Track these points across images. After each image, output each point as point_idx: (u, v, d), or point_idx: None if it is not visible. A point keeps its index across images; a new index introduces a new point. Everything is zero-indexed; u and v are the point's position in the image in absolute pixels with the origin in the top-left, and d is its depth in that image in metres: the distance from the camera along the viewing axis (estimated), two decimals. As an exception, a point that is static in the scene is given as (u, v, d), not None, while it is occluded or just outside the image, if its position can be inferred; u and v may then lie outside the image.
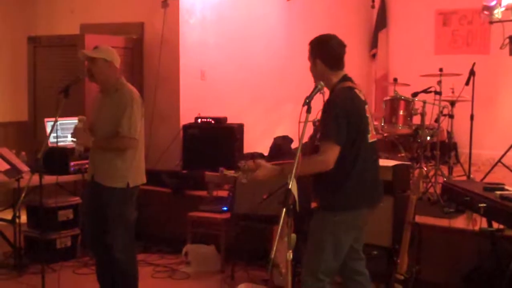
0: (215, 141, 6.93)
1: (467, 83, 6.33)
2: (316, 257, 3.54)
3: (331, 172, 3.39)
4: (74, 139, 4.42)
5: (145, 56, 7.33)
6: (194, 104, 7.20)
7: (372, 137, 3.62)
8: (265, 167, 3.46)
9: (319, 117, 6.06)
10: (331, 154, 3.37)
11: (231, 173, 3.47)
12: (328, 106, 3.49)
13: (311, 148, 3.61)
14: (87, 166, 5.73)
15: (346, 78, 3.64)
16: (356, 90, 3.60)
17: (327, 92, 3.60)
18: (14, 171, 5.43)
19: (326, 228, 3.52)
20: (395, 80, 7.13)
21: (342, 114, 3.42)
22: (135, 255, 4.67)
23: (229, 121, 7.11)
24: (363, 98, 3.63)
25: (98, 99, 4.58)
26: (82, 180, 5.96)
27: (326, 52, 3.62)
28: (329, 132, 3.42)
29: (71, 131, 4.44)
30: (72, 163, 5.86)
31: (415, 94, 6.36)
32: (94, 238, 4.55)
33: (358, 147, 3.49)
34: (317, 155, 3.42)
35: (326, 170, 3.39)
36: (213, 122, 7.00)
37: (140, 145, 4.47)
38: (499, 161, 6.49)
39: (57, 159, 5.59)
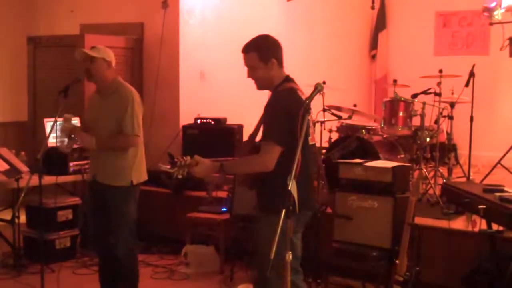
0: (215, 141, 6.92)
1: (467, 85, 6.33)
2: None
3: (274, 175, 3.33)
4: (70, 140, 4.42)
5: (145, 56, 7.32)
6: (194, 104, 7.19)
7: (311, 140, 3.59)
8: (203, 164, 3.44)
9: (319, 118, 6.13)
10: (271, 156, 3.33)
11: (167, 167, 3.48)
12: (271, 107, 3.43)
13: (251, 147, 3.55)
14: (86, 166, 5.76)
15: (289, 79, 3.57)
16: (299, 92, 3.55)
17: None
18: (13, 171, 5.42)
19: (269, 233, 3.30)
20: (395, 81, 7.13)
21: (285, 116, 3.34)
22: (137, 254, 4.68)
23: (228, 121, 7.10)
24: None
25: (94, 99, 4.60)
26: (82, 180, 5.96)
27: (278, 50, 3.55)
28: (270, 133, 3.37)
29: (67, 133, 4.42)
30: (71, 164, 5.87)
31: (414, 96, 6.36)
32: (98, 238, 4.56)
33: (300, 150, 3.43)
34: (257, 155, 3.39)
35: (265, 171, 3.35)
36: (212, 122, 7.00)
37: (141, 142, 4.51)
38: (499, 162, 6.49)
39: (57, 159, 5.60)
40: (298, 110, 3.22)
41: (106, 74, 4.44)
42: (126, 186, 4.41)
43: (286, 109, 3.35)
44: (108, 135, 4.41)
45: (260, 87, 3.58)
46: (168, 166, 3.47)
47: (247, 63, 3.54)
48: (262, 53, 3.49)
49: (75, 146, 4.58)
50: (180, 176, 3.45)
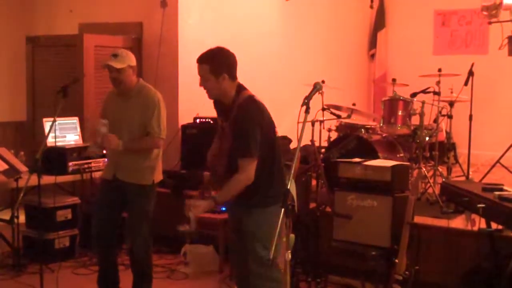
0: (214, 141, 6.91)
1: (465, 84, 6.34)
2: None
3: (256, 177, 3.51)
4: (100, 145, 4.46)
5: (144, 56, 7.31)
6: (193, 104, 7.18)
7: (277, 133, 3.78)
8: (198, 207, 3.53)
9: (318, 117, 6.13)
10: (251, 169, 3.49)
11: (186, 228, 3.56)
12: (241, 121, 3.53)
13: (227, 163, 3.59)
14: (85, 166, 5.78)
15: (242, 87, 3.68)
16: (256, 96, 3.66)
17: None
18: (12, 171, 5.42)
19: (265, 222, 3.59)
20: (394, 80, 7.13)
21: (256, 128, 3.50)
22: (151, 252, 4.76)
23: (228, 121, 7.09)
24: None
25: (114, 101, 4.62)
26: (81, 180, 5.97)
27: (231, 65, 3.66)
28: (247, 149, 3.48)
29: (99, 138, 4.43)
30: (70, 163, 5.86)
31: (414, 95, 6.36)
32: (104, 234, 4.57)
33: (273, 148, 3.63)
34: (239, 174, 3.50)
35: (249, 184, 3.50)
36: (211, 122, 6.98)
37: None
38: (498, 161, 6.49)
39: (56, 159, 5.59)
40: (265, 116, 3.57)
41: (133, 79, 4.52)
42: (149, 185, 4.54)
43: (259, 121, 3.54)
44: (131, 137, 4.47)
45: (211, 96, 3.69)
46: (187, 227, 3.56)
47: (199, 73, 3.63)
48: (213, 67, 3.57)
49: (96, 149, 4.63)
50: (193, 228, 3.53)
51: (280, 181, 3.63)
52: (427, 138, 6.28)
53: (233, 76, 3.64)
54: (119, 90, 4.56)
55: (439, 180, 6.19)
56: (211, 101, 7.15)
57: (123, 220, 4.81)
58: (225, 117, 3.66)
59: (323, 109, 6.35)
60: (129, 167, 4.50)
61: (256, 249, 3.61)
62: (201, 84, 3.65)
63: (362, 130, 6.51)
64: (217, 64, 3.58)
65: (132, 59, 4.51)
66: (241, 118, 3.53)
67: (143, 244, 4.58)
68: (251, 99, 3.62)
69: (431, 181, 6.15)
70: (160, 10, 7.07)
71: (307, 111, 3.10)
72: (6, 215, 5.52)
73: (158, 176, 4.66)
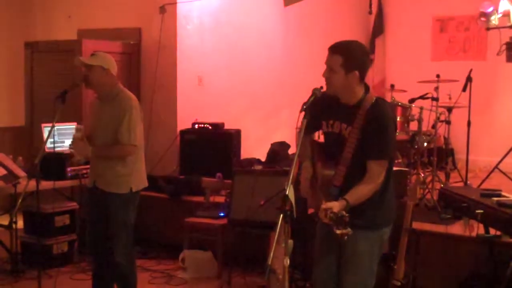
0: (212, 146, 6.92)
1: (464, 89, 6.35)
2: (368, 279, 3.40)
3: (379, 192, 3.28)
4: (73, 150, 4.43)
5: (143, 61, 7.33)
6: (191, 109, 7.20)
7: None
8: (331, 207, 3.06)
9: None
10: (383, 174, 3.25)
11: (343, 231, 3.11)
12: (382, 121, 3.22)
13: (346, 169, 3.26)
14: (84, 171, 5.76)
15: (368, 87, 3.38)
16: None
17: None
18: (11, 176, 5.42)
19: (374, 249, 3.41)
20: (392, 86, 7.14)
21: (395, 130, 3.31)
22: (135, 260, 4.68)
23: (226, 126, 7.10)
24: None
25: (96, 106, 4.58)
26: (79, 185, 5.96)
27: (365, 64, 3.34)
28: (387, 151, 3.27)
29: (71, 141, 4.43)
30: (69, 169, 5.86)
31: (412, 100, 6.37)
32: (96, 244, 4.55)
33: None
34: (376, 178, 3.23)
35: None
36: (210, 127, 7.00)
37: (140, 150, 4.50)
38: (496, 167, 6.50)
39: (54, 164, 5.59)
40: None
41: (104, 82, 4.41)
42: (125, 193, 4.41)
43: (394, 121, 3.39)
44: (105, 143, 4.40)
45: (330, 90, 3.33)
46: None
47: (328, 62, 3.31)
48: (347, 61, 3.26)
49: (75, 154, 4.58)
50: None
51: (393, 200, 3.40)
52: (425, 144, 6.29)
53: (363, 76, 3.30)
54: (97, 94, 4.53)
55: (438, 186, 6.19)
56: (210, 107, 7.12)
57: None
58: (345, 119, 3.30)
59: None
60: (105, 175, 4.40)
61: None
62: (324, 75, 3.31)
63: (361, 135, 6.50)
64: (352, 59, 3.26)
65: (106, 62, 4.40)
66: (380, 117, 3.22)
67: (124, 255, 4.46)
68: (384, 100, 3.35)
69: (430, 186, 6.15)
70: (159, 16, 7.09)
71: (305, 117, 3.10)
72: (4, 220, 5.53)
73: (138, 184, 4.49)
